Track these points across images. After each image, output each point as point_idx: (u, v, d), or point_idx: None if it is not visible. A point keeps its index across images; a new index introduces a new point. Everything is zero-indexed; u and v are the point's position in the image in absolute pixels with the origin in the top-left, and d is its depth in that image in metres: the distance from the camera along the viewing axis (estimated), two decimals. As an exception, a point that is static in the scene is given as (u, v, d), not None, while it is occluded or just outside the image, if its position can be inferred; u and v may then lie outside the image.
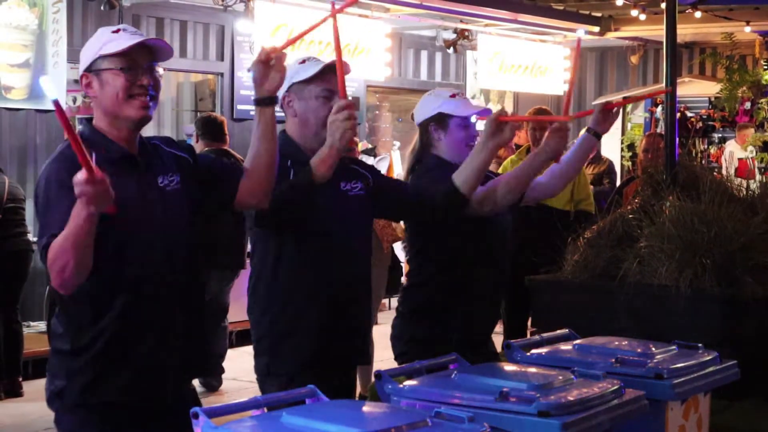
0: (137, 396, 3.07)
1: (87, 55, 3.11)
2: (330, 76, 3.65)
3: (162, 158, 3.22)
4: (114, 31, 3.10)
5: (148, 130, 14.85)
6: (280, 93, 3.67)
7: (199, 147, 7.75)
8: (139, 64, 3.07)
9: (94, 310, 3.05)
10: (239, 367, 7.84)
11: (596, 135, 4.34)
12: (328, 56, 11.25)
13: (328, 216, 3.61)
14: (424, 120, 4.24)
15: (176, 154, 3.27)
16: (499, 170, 7.59)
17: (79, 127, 3.15)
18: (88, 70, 3.11)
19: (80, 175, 2.68)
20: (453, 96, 4.20)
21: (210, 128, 8.02)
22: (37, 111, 9.62)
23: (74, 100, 14.23)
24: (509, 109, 14.98)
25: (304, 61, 3.71)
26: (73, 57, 10.05)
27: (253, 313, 3.72)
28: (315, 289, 3.61)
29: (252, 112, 11.50)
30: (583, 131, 4.41)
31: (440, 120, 4.19)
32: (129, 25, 3.19)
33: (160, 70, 3.14)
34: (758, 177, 9.11)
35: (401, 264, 7.93)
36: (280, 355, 3.60)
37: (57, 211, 2.91)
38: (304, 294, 3.60)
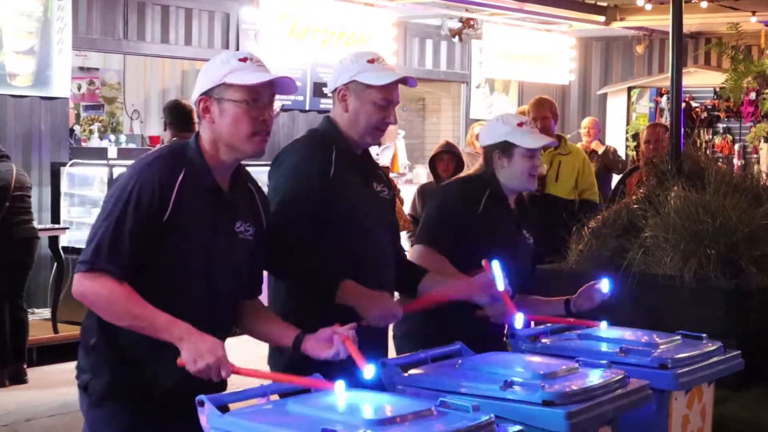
0: (164, 391, 3.02)
1: (209, 79, 3.05)
2: (393, 87, 3.62)
3: (248, 204, 3.20)
4: (241, 59, 3.05)
5: (152, 119, 14.76)
6: (338, 83, 3.63)
7: (167, 136, 7.58)
8: (263, 98, 3.04)
9: None
10: (243, 356, 7.84)
11: (568, 311, 4.21)
12: (333, 46, 11.25)
13: (364, 213, 3.60)
14: (490, 145, 4.21)
15: (260, 210, 3.24)
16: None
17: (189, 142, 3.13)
18: (208, 94, 3.05)
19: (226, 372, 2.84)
20: (521, 125, 4.18)
21: (178, 116, 7.46)
22: (42, 98, 9.61)
23: (79, 88, 14.24)
24: (513, 99, 14.96)
25: (373, 60, 3.62)
26: (77, 44, 10.05)
27: (285, 305, 3.67)
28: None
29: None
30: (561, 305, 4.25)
31: (505, 148, 4.15)
32: (252, 54, 3.13)
33: (277, 104, 3.11)
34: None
35: (405, 254, 7.93)
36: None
37: (120, 233, 2.92)
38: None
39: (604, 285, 4.12)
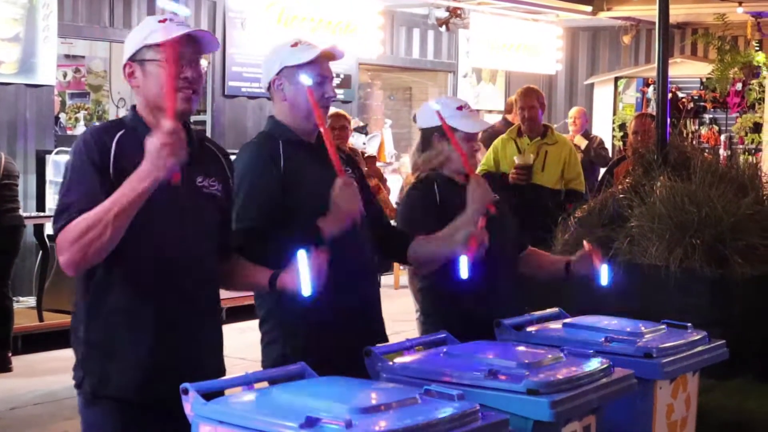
0: (150, 394, 2.99)
1: (131, 44, 3.07)
2: (323, 61, 3.60)
3: (209, 160, 3.18)
4: (160, 21, 3.04)
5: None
6: (270, 76, 3.62)
7: None
8: (184, 55, 3.01)
9: (103, 300, 2.99)
10: (229, 344, 7.82)
11: (567, 273, 4.29)
12: (320, 34, 11.24)
13: (325, 200, 3.54)
14: (429, 128, 4.18)
15: (224, 166, 3.23)
16: (488, 151, 7.59)
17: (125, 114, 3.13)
18: (132, 59, 3.06)
19: (167, 124, 2.74)
20: (460, 108, 4.15)
21: None
22: (27, 85, 9.57)
23: (64, 75, 14.19)
24: (500, 88, 14.98)
25: (296, 44, 3.63)
26: (63, 31, 10.00)
27: (263, 298, 3.64)
28: (331, 272, 3.42)
29: (243, 89, 11.43)
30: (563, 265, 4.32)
31: (446, 132, 4.07)
32: (176, 15, 3.12)
33: (203, 62, 3.08)
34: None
35: (390, 223, 7.92)
36: (297, 343, 3.50)
37: (78, 188, 2.92)
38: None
39: (604, 275, 4.12)
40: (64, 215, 2.90)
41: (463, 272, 3.62)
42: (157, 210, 2.93)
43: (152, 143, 2.78)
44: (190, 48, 3.04)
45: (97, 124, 3.21)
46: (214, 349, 3.21)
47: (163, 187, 2.87)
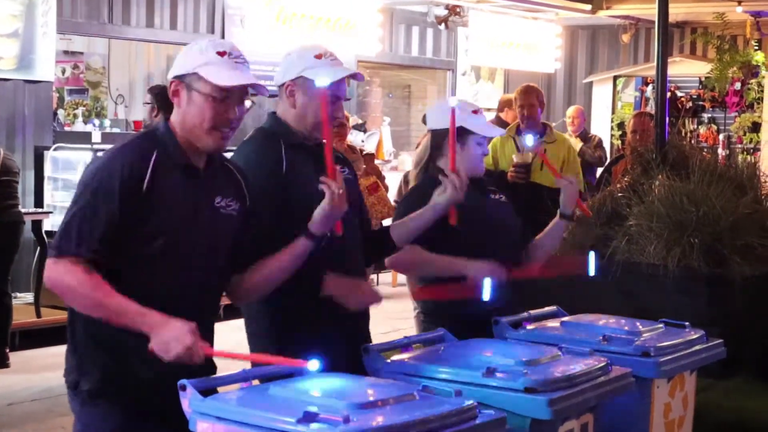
0: (152, 384, 2.97)
1: (183, 64, 3.05)
2: (341, 83, 3.58)
3: (228, 180, 3.18)
4: (219, 53, 3.03)
5: (137, 104, 14.64)
6: (285, 78, 3.59)
7: (159, 120, 7.52)
8: (232, 96, 3.01)
9: None
10: (226, 341, 7.79)
11: (567, 217, 4.37)
12: (319, 32, 11.23)
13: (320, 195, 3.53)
14: (442, 130, 4.13)
15: (242, 185, 3.22)
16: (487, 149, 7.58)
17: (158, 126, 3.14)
18: (180, 78, 3.05)
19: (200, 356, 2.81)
20: (476, 112, 4.18)
21: (168, 99, 7.19)
22: (26, 81, 9.56)
23: (63, 72, 14.17)
24: (499, 86, 14.97)
25: (320, 56, 3.58)
26: (62, 27, 9.99)
27: (252, 303, 3.63)
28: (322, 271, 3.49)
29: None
30: (556, 218, 4.40)
31: (460, 134, 4.06)
32: (234, 47, 3.09)
33: (247, 103, 3.08)
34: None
35: (371, 225, 7.92)
36: (290, 344, 3.47)
37: (91, 221, 2.90)
38: (312, 277, 3.45)
39: (591, 266, 4.16)
40: (66, 244, 2.89)
41: (486, 294, 3.65)
42: (173, 224, 2.96)
43: (176, 340, 2.80)
44: (240, 88, 3.03)
45: (128, 140, 3.11)
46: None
47: (185, 211, 2.97)
